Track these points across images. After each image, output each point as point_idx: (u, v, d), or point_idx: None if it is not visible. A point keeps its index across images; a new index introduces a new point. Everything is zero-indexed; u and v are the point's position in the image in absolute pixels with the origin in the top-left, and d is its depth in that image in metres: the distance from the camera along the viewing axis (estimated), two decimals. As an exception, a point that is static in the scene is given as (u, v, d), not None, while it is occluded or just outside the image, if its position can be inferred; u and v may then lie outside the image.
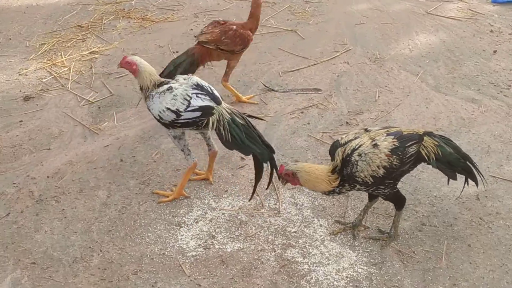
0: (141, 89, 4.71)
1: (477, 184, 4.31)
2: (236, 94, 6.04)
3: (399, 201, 4.23)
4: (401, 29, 7.42)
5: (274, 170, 4.50)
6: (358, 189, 4.12)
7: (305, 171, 4.02)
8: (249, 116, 4.65)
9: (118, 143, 5.51)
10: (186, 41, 7.24)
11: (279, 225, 4.57)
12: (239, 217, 4.66)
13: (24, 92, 6.30)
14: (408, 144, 4.00)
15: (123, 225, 4.59)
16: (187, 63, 5.71)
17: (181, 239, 4.46)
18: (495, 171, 5.01)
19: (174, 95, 4.49)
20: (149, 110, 4.64)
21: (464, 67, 6.54)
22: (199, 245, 4.40)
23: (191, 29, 7.52)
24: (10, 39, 7.44)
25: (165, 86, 4.56)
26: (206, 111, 4.47)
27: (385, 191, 4.09)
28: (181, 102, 4.47)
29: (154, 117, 4.60)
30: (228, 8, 8.09)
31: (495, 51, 6.81)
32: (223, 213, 4.69)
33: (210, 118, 4.46)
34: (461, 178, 4.28)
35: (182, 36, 7.39)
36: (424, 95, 6.07)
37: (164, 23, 7.75)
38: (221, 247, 4.37)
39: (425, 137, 4.13)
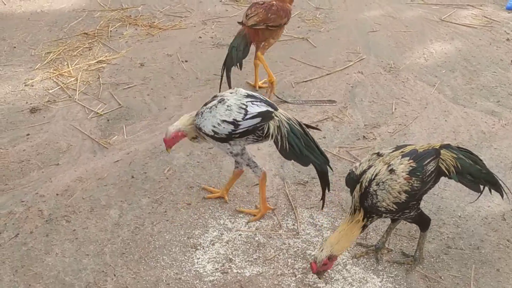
0: (195, 138, 4.57)
1: (502, 195, 4.10)
2: (268, 72, 6.10)
3: (423, 222, 4.07)
4: (415, 37, 7.26)
5: (326, 191, 4.40)
6: (385, 217, 3.96)
7: (337, 246, 3.83)
8: (306, 125, 4.46)
9: (128, 158, 5.34)
10: (195, 49, 7.08)
11: (298, 247, 4.41)
12: (257, 238, 4.50)
13: (31, 103, 6.13)
14: (426, 162, 3.83)
15: (136, 247, 4.42)
16: (244, 45, 5.83)
17: (197, 262, 4.30)
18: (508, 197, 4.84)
19: (228, 106, 4.31)
20: (199, 129, 4.40)
21: (482, 78, 6.38)
22: (216, 269, 4.24)
23: (200, 37, 7.36)
24: (15, 47, 7.27)
25: (214, 101, 4.37)
26: (266, 116, 4.29)
27: (411, 214, 3.93)
28: (237, 112, 4.28)
29: (206, 134, 4.37)
30: (237, 14, 7.92)
31: (512, 61, 6.66)
32: (240, 234, 4.53)
33: (271, 124, 4.28)
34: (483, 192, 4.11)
35: (191, 44, 7.22)
36: (442, 107, 5.91)
37: (172, 31, 7.58)
38: (239, 272, 4.21)
39: (442, 151, 3.96)
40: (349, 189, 4.01)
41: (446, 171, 3.93)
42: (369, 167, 3.87)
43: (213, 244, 4.44)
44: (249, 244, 4.44)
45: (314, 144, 4.32)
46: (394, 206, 3.78)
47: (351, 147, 5.35)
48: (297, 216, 4.67)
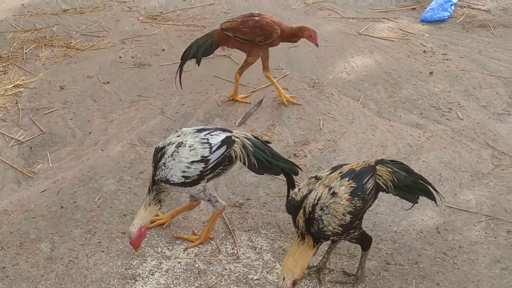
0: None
1: (436, 202, 4.18)
2: (236, 91, 6.23)
3: (366, 241, 4.10)
4: (335, 51, 7.34)
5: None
6: (333, 240, 3.96)
7: (296, 269, 3.77)
8: (256, 138, 4.49)
9: (55, 187, 5.16)
10: (116, 70, 6.92)
11: (239, 272, 4.35)
12: (197, 265, 4.41)
13: None
14: (365, 180, 3.87)
15: (72, 282, 4.27)
16: (208, 43, 5.89)
17: (138, 294, 4.18)
18: (450, 201, 4.96)
19: (190, 146, 4.21)
20: (165, 182, 4.23)
21: (404, 90, 6.51)
22: (158, 300, 4.13)
23: (120, 57, 7.21)
24: None
25: (170, 148, 4.22)
26: (229, 141, 4.27)
27: (355, 234, 3.94)
28: (202, 148, 4.21)
29: (175, 183, 4.22)
30: (156, 33, 7.81)
31: (431, 73, 6.82)
32: (179, 262, 4.44)
33: (236, 147, 4.27)
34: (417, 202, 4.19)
35: (111, 64, 7.06)
36: (368, 121, 5.99)
37: (90, 51, 7.40)
38: (182, 301, 4.12)
39: (377, 166, 4.01)
40: (290, 215, 3.98)
41: (384, 186, 3.99)
42: (310, 191, 3.86)
43: (152, 274, 4.33)
44: (189, 272, 4.35)
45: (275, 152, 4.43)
46: (340, 228, 3.78)
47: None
48: (236, 240, 4.61)
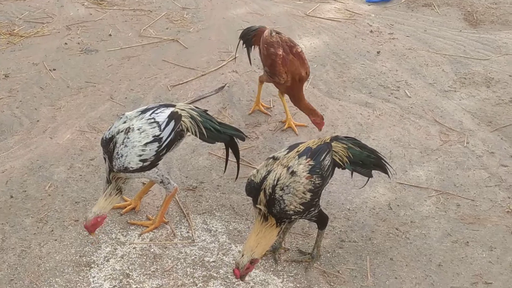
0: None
1: (389, 175, 4.30)
2: (258, 98, 5.86)
3: (323, 220, 4.13)
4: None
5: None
6: (295, 219, 3.98)
7: (258, 249, 3.79)
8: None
9: (4, 177, 5.05)
10: (62, 56, 6.80)
11: (195, 255, 4.35)
12: (152, 250, 4.39)
13: None
14: (322, 157, 3.91)
15: (25, 272, 4.20)
16: (250, 35, 5.74)
17: (93, 281, 4.14)
18: (401, 177, 5.04)
19: (139, 129, 4.14)
20: (124, 170, 4.15)
21: (352, 70, 6.57)
22: (114, 286, 4.10)
23: (66, 43, 7.08)
24: None
25: (120, 137, 4.13)
26: (176, 116, 4.24)
27: (316, 212, 3.98)
28: (151, 128, 4.16)
29: (134, 170, 4.15)
30: (102, 18, 7.69)
31: (378, 52, 6.89)
32: (134, 248, 4.40)
33: (186, 120, 4.27)
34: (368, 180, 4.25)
35: (57, 51, 6.92)
36: (318, 101, 6.02)
37: (35, 38, 7.24)
38: (138, 286, 4.10)
39: (333, 143, 4.05)
40: (250, 197, 3.99)
41: (340, 162, 4.05)
42: (268, 172, 3.87)
43: (107, 261, 4.29)
44: (145, 257, 4.32)
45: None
46: (301, 206, 3.81)
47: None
48: (191, 223, 4.60)
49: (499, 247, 4.41)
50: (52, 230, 4.53)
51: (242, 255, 3.76)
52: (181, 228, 4.58)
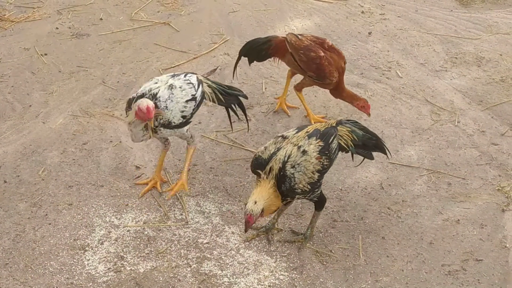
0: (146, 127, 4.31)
1: (388, 156, 4.43)
2: (305, 105, 5.51)
3: (322, 201, 4.20)
4: (275, 15, 7.35)
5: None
6: (298, 199, 4.03)
7: (265, 199, 3.83)
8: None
9: (-3, 162, 5.07)
10: (53, 41, 6.78)
11: (189, 237, 4.38)
12: (146, 232, 4.42)
13: None
14: (330, 140, 3.98)
15: (20, 256, 4.23)
16: (263, 48, 5.44)
17: (88, 264, 4.17)
18: (392, 157, 5.06)
19: (180, 87, 4.39)
20: (165, 125, 4.34)
21: (344, 51, 6.46)
22: (108, 268, 4.13)
23: (57, 28, 7.05)
24: None
25: (163, 93, 4.31)
26: (200, 80, 4.59)
27: (318, 192, 4.05)
28: (189, 88, 4.45)
29: (176, 124, 4.37)
30: (93, 2, 7.66)
31: (370, 33, 6.90)
32: (128, 230, 4.44)
33: (205, 86, 4.61)
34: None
35: (48, 36, 6.91)
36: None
37: (25, 23, 7.22)
38: (133, 269, 4.13)
39: (338, 127, 4.10)
40: (255, 174, 4.03)
41: (345, 146, 4.13)
42: (278, 149, 3.92)
43: (101, 243, 4.32)
44: (139, 240, 4.36)
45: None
46: (308, 186, 3.89)
47: (228, 131, 5.35)
48: (184, 205, 4.63)
49: (490, 225, 4.45)
50: (46, 214, 4.55)
51: (255, 202, 3.79)
52: (174, 210, 4.61)
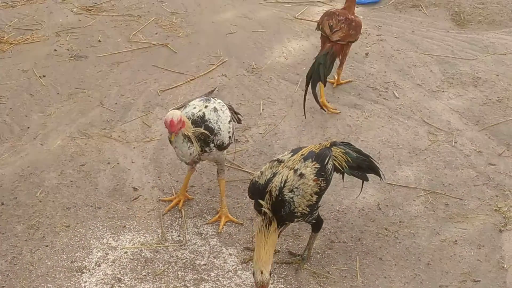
0: (187, 138, 4.24)
1: (381, 177, 4.40)
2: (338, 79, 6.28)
3: (319, 223, 4.20)
4: (272, 36, 7.39)
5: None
6: (297, 222, 4.03)
7: (270, 260, 3.76)
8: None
9: (-5, 184, 5.08)
10: (52, 63, 6.82)
11: (186, 258, 4.38)
12: (143, 254, 4.42)
13: None
14: (326, 161, 3.99)
15: (17, 278, 4.22)
16: (330, 61, 5.75)
17: (85, 286, 4.17)
18: (390, 178, 5.08)
19: (221, 109, 4.42)
20: (218, 146, 4.36)
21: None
22: (106, 291, 4.12)
23: (55, 50, 7.09)
24: None
25: (211, 115, 4.34)
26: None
27: (316, 215, 4.06)
28: (225, 110, 4.50)
29: (226, 145, 4.42)
30: (91, 24, 7.70)
31: (367, 54, 6.94)
32: (126, 252, 4.43)
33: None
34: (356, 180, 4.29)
35: (46, 58, 6.94)
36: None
37: (24, 45, 7.26)
38: (130, 291, 4.12)
39: (332, 148, 4.12)
40: (252, 199, 4.03)
41: (339, 167, 4.14)
42: (274, 174, 3.91)
43: (99, 265, 4.32)
44: (136, 261, 4.35)
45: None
46: (307, 209, 3.90)
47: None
48: (182, 227, 4.63)
49: (487, 245, 4.45)
50: (43, 236, 4.55)
51: (262, 272, 3.71)
52: (172, 232, 4.61)
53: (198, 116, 4.30)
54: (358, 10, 7.84)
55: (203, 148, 4.29)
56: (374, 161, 4.32)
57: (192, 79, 6.51)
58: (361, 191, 4.55)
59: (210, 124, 4.29)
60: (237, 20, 7.80)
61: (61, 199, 4.90)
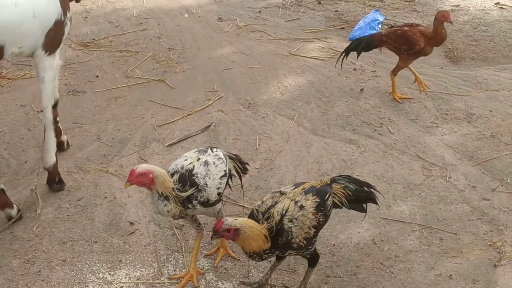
0: (163, 195, 4.08)
1: (378, 204, 4.39)
2: (394, 89, 6.78)
3: (315, 258, 4.22)
4: (268, 72, 7.48)
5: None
6: (289, 254, 4.06)
7: (249, 226, 3.84)
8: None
9: (-9, 218, 5.09)
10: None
11: (183, 293, 4.38)
12: (139, 289, 4.42)
13: None
14: (326, 197, 4.04)
15: (13, 313, 4.21)
16: (369, 41, 6.72)
17: (80, 321, 4.16)
18: (385, 212, 5.11)
19: (213, 163, 4.26)
20: (203, 203, 4.19)
21: (336, 108, 6.68)
22: (101, 326, 4.12)
23: (53, 85, 7.14)
24: None
25: (200, 170, 4.18)
26: (226, 157, 4.49)
27: (312, 249, 4.08)
28: (220, 164, 4.32)
29: (213, 202, 4.23)
30: (89, 59, 7.79)
31: (362, 90, 7.02)
32: (122, 287, 4.43)
33: (229, 160, 4.54)
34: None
35: (44, 93, 6.98)
36: (303, 139, 6.12)
37: (22, 80, 7.32)
38: (125, 326, 4.12)
39: (333, 185, 4.20)
40: None
41: (339, 203, 4.19)
42: (275, 203, 3.97)
43: (94, 300, 4.32)
44: (132, 296, 4.36)
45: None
46: (304, 241, 3.93)
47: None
48: (178, 261, 4.64)
49: (482, 280, 4.47)
50: (40, 271, 4.55)
51: (237, 219, 3.84)
52: (168, 266, 4.62)
53: (187, 170, 4.17)
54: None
55: (185, 204, 4.14)
56: (372, 187, 4.33)
57: (189, 114, 6.57)
58: (363, 218, 4.54)
59: (196, 179, 4.15)
60: (234, 56, 7.90)
61: (58, 234, 4.92)
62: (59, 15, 5.00)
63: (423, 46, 6.38)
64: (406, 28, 6.43)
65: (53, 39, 5.03)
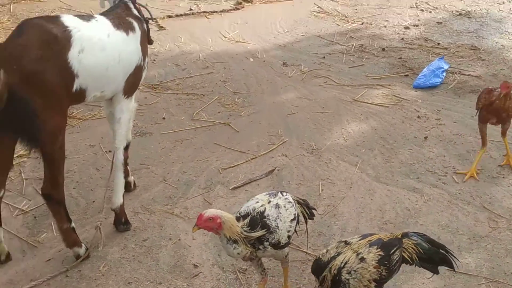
0: (231, 239, 4.13)
1: (454, 269, 4.28)
2: (508, 154, 6.42)
3: None
4: (332, 117, 7.53)
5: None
6: None
7: None
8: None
9: (60, 256, 5.22)
10: (118, 139, 7.04)
11: (245, 338, 4.39)
12: (202, 332, 4.46)
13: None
14: (392, 251, 4.01)
15: None
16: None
17: None
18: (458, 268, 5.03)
19: (284, 207, 4.33)
20: (274, 245, 4.23)
21: (400, 155, 6.66)
22: None
23: (121, 126, 7.33)
24: None
25: (271, 212, 4.24)
26: (295, 201, 4.53)
27: None
28: (290, 207, 4.37)
29: (283, 244, 4.28)
30: (156, 102, 8.00)
31: (426, 138, 6.99)
32: (185, 329, 4.48)
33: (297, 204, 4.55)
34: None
35: (113, 133, 7.18)
36: (366, 186, 6.11)
37: (92, 121, 7.56)
38: None
39: (403, 240, 4.15)
40: (314, 276, 4.08)
41: (409, 259, 4.13)
42: (338, 254, 3.98)
43: None
44: None
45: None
46: None
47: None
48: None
49: (551, 338, 4.36)
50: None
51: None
52: (229, 310, 4.65)
53: (258, 212, 4.22)
54: (417, 94, 7.97)
55: (255, 246, 4.19)
56: (449, 251, 4.24)
57: (253, 158, 6.65)
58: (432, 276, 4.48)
59: (267, 221, 4.19)
60: (298, 101, 7.98)
61: (124, 273, 5.01)
62: (139, 60, 5.17)
63: None
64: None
65: (132, 83, 5.20)
